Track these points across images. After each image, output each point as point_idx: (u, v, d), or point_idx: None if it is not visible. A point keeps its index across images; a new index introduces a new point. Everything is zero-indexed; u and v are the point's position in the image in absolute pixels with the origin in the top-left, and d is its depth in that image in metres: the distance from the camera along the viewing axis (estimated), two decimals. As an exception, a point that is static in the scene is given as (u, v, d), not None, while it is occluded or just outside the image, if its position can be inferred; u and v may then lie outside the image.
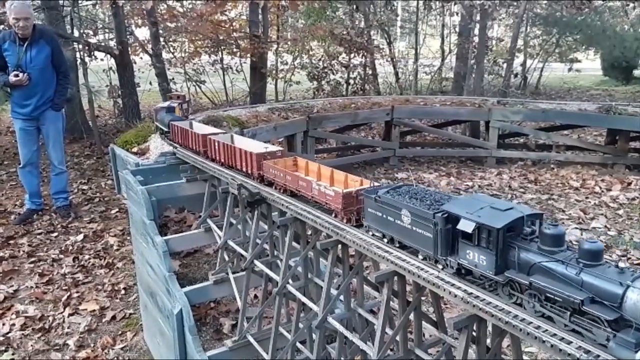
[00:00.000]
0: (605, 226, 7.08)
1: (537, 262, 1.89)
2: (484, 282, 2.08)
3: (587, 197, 8.30)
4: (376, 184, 2.76)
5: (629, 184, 8.79)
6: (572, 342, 1.74)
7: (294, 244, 3.30)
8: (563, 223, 7.22)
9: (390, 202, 2.38)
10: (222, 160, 3.94)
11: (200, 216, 4.37)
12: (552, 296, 1.80)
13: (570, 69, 20.36)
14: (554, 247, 1.89)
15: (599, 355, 1.65)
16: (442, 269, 2.20)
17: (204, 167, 4.22)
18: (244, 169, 3.65)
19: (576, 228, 6.98)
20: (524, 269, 1.93)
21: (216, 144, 4.01)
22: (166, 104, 5.73)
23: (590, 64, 23.02)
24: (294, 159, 3.57)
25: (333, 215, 2.82)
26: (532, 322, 1.86)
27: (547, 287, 1.81)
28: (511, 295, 1.97)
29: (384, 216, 2.43)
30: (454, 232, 2.12)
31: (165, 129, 5.14)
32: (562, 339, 1.76)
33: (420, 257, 2.31)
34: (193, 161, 4.45)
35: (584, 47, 20.79)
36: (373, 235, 2.55)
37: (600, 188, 8.67)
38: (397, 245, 2.41)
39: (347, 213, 2.71)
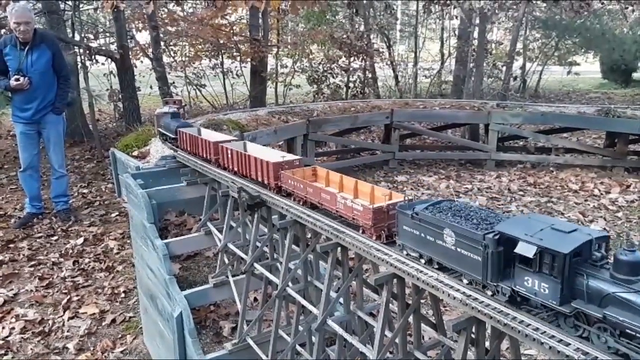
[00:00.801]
0: (605, 229, 7.09)
1: (611, 293, 1.68)
2: (542, 311, 1.89)
3: (586, 200, 8.32)
4: (408, 197, 2.56)
5: (628, 186, 8.80)
6: (570, 344, 1.75)
7: (293, 246, 3.31)
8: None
9: (431, 220, 2.19)
10: (236, 169, 3.75)
11: (200, 219, 4.38)
12: (633, 332, 1.58)
13: (569, 72, 20.40)
14: (631, 276, 1.67)
15: (597, 357, 1.66)
16: (492, 295, 2.00)
17: (204, 170, 4.23)
18: (260, 179, 3.46)
19: (576, 231, 6.98)
20: (595, 299, 1.73)
21: (229, 152, 3.81)
22: (166, 108, 5.62)
23: (589, 67, 23.06)
24: (314, 168, 3.36)
25: (360, 231, 2.62)
26: (530, 324, 1.87)
27: (626, 322, 1.60)
28: (576, 328, 1.77)
29: (423, 235, 2.23)
30: (508, 256, 1.93)
31: (172, 136, 4.93)
32: (560, 340, 1.77)
33: (465, 281, 2.11)
34: (193, 165, 4.46)
35: (583, 50, 20.83)
36: (408, 254, 2.36)
37: (599, 191, 8.69)
38: (436, 266, 2.23)
39: (377, 230, 2.51)
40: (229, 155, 3.83)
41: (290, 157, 3.46)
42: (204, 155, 4.21)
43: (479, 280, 2.03)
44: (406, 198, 2.54)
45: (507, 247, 1.93)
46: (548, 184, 9.21)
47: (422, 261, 2.28)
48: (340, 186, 3.10)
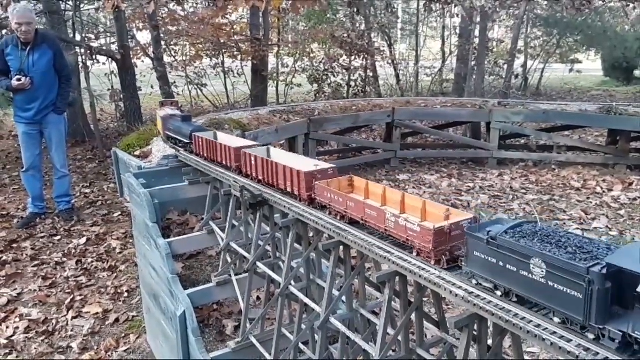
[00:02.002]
0: (607, 226, 7.09)
1: None
2: None
3: (588, 198, 8.31)
4: (473, 214, 2.31)
5: (631, 184, 8.80)
6: (572, 339, 1.75)
7: (296, 245, 3.32)
8: (564, 223, 7.23)
9: (514, 247, 1.90)
10: (260, 177, 3.50)
11: (202, 218, 4.39)
12: None
13: (571, 70, 20.37)
14: None
15: (598, 353, 1.67)
16: (594, 339, 1.72)
17: (207, 169, 4.24)
18: (289, 189, 3.19)
19: (577, 229, 6.99)
20: None
21: (253, 158, 3.56)
22: (169, 110, 5.46)
23: (591, 65, 23.03)
24: (350, 178, 3.07)
25: (415, 253, 2.34)
26: (532, 321, 1.88)
27: None
28: None
29: (502, 264, 1.95)
30: (620, 293, 1.67)
31: (185, 140, 4.65)
32: (561, 337, 1.78)
33: (557, 319, 1.83)
34: (195, 164, 4.47)
35: (584, 48, 20.81)
36: (478, 284, 2.07)
37: (602, 188, 8.68)
38: (515, 299, 1.95)
39: (438, 254, 2.23)
40: (252, 162, 3.57)
41: (323, 165, 3.15)
42: (224, 162, 3.96)
43: (578, 320, 1.74)
44: (474, 217, 2.29)
45: (617, 283, 1.66)
46: (550, 182, 9.21)
47: (498, 293, 2.00)
48: (383, 199, 2.81)
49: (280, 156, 3.67)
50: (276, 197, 3.32)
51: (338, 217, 2.82)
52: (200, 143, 4.35)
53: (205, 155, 4.27)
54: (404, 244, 2.42)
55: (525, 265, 1.87)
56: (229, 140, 4.30)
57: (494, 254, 1.98)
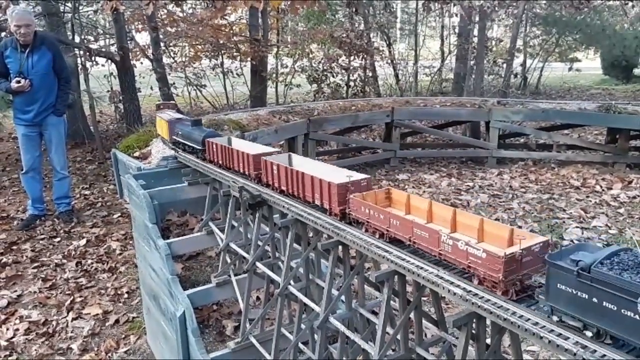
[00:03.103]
0: (606, 225, 7.09)
1: None
2: None
3: (587, 196, 8.32)
4: (546, 237, 2.04)
5: (630, 182, 8.80)
6: (569, 337, 1.76)
7: (295, 245, 3.33)
8: (564, 222, 7.23)
9: (616, 282, 1.63)
10: (284, 188, 3.27)
11: (202, 219, 4.40)
12: None
13: (570, 69, 20.39)
14: None
15: (595, 350, 1.67)
16: None
17: (205, 170, 4.24)
18: (318, 202, 2.97)
19: (577, 227, 6.99)
20: None
21: (275, 167, 3.32)
22: (173, 113, 5.27)
23: (590, 63, 23.04)
24: (387, 190, 2.81)
25: (475, 281, 2.09)
26: (530, 319, 1.88)
27: None
28: None
29: (596, 300, 1.69)
30: None
31: (197, 147, 4.40)
32: (559, 335, 1.78)
33: None
34: (194, 165, 4.48)
35: (583, 47, 20.83)
36: (561, 321, 1.81)
37: (601, 187, 8.69)
38: (609, 341, 1.70)
39: (508, 284, 1.98)
40: (275, 172, 3.32)
41: (356, 176, 2.88)
42: (241, 170, 3.75)
43: None
44: (550, 242, 2.04)
45: None
46: (550, 180, 9.21)
47: (588, 334, 1.74)
48: (429, 215, 2.53)
49: (303, 164, 3.41)
50: (275, 197, 3.33)
51: (376, 235, 2.56)
52: (215, 149, 4.12)
53: (220, 162, 4.06)
54: (461, 270, 2.16)
55: (630, 305, 1.60)
56: (245, 146, 4.08)
57: (586, 288, 1.71)
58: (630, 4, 16.99)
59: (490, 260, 1.99)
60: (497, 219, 7.36)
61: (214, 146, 4.13)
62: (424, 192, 8.74)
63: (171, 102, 7.57)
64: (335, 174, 3.04)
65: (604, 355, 1.65)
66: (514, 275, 1.97)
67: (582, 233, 6.81)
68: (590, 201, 8.09)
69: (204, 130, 4.53)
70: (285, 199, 3.25)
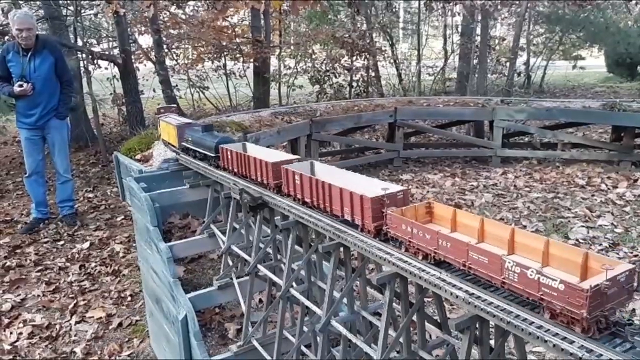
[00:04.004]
0: (612, 224, 7.03)
1: None
2: None
3: (593, 195, 8.25)
4: (632, 265, 1.82)
5: (635, 180, 8.73)
6: (574, 341, 1.73)
7: (296, 247, 3.30)
8: (569, 221, 7.18)
9: None
10: (307, 199, 3.04)
11: (204, 221, 4.38)
12: None
13: (574, 67, 20.29)
14: None
15: (601, 354, 1.64)
16: None
17: (206, 172, 4.23)
18: (348, 217, 2.72)
19: (582, 226, 6.94)
20: None
21: (297, 177, 3.10)
22: (183, 119, 5.06)
23: (594, 61, 22.91)
24: (428, 204, 2.56)
25: (547, 315, 1.85)
26: (534, 322, 1.85)
27: None
28: None
29: None
30: None
31: (210, 154, 4.19)
32: (564, 338, 1.75)
33: None
34: (195, 167, 4.46)
35: (587, 44, 20.70)
36: None
37: (607, 185, 8.62)
38: None
39: (591, 321, 1.74)
40: (297, 182, 3.10)
41: (393, 188, 2.64)
42: (259, 179, 3.54)
43: None
44: (632, 269, 1.79)
45: None
46: (554, 179, 9.15)
47: None
48: (480, 234, 2.27)
49: (328, 174, 3.17)
50: (276, 199, 3.30)
51: (419, 256, 2.33)
52: (229, 157, 3.89)
53: (235, 170, 3.85)
54: (527, 300, 1.92)
55: None
56: (262, 153, 3.89)
57: None
58: (634, 1, 16.91)
59: (571, 293, 1.73)
60: (501, 219, 7.32)
61: (229, 153, 3.90)
62: (428, 192, 8.70)
63: (172, 105, 7.50)
64: (367, 186, 2.80)
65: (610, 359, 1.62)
66: (598, 310, 1.71)
67: (588, 232, 6.76)
68: (596, 200, 8.02)
69: (216, 135, 4.33)
70: (286, 201, 3.22)
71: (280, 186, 3.32)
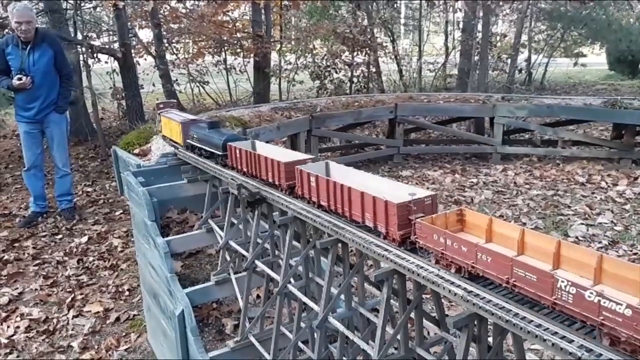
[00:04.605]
0: (612, 221, 7.01)
1: None
2: None
3: (593, 193, 8.23)
4: None
5: (636, 178, 8.71)
6: (573, 340, 1.71)
7: (294, 243, 3.28)
8: (569, 219, 7.16)
9: None
10: (324, 203, 2.88)
11: (202, 216, 4.36)
12: None
13: (575, 64, 20.21)
14: None
15: (600, 354, 1.62)
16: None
17: (205, 167, 4.20)
18: (370, 223, 2.55)
19: (582, 224, 6.92)
20: None
21: (312, 178, 2.94)
22: (188, 116, 4.92)
23: (595, 59, 22.83)
24: (459, 211, 2.37)
25: (605, 341, 1.67)
26: (533, 321, 1.83)
27: None
28: None
29: None
30: None
31: (217, 152, 4.05)
32: (563, 337, 1.73)
33: None
34: (194, 162, 4.43)
35: (589, 42, 20.60)
36: None
37: (607, 183, 8.60)
38: None
39: None
40: (312, 184, 2.94)
41: (420, 192, 2.49)
42: (270, 179, 3.38)
43: None
44: None
45: None
46: (554, 177, 9.13)
47: None
48: (520, 246, 2.08)
49: (345, 175, 3.01)
50: (274, 194, 3.28)
51: (452, 269, 2.15)
52: (238, 155, 3.74)
53: (245, 169, 3.70)
54: (582, 323, 1.75)
55: None
56: (273, 151, 3.72)
57: None
58: (636, -2, 16.84)
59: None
60: (501, 216, 7.30)
61: (237, 151, 3.74)
62: (428, 188, 8.68)
63: (172, 100, 7.40)
64: (389, 189, 2.62)
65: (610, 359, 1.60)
66: None
67: (588, 230, 6.74)
68: (596, 197, 8.01)
69: (223, 133, 4.17)
70: (284, 197, 3.20)
71: (293, 188, 3.18)
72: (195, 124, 4.53)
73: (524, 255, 2.06)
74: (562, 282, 1.75)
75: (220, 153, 3.99)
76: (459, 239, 2.11)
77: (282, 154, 3.54)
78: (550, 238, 2.01)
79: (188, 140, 4.55)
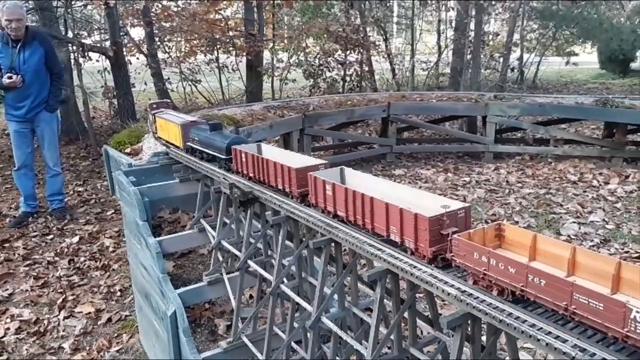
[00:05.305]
0: (604, 220, 7.05)
1: None
2: None
3: (585, 191, 8.27)
4: None
5: (627, 176, 8.76)
6: (567, 340, 1.70)
7: (287, 243, 3.26)
8: (561, 217, 7.19)
9: None
10: (342, 213, 2.67)
11: (194, 216, 4.33)
12: None
13: (567, 63, 20.32)
14: None
15: (594, 354, 1.62)
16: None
17: (197, 166, 4.17)
18: (396, 238, 2.35)
19: (574, 222, 6.94)
20: None
21: (329, 187, 2.73)
22: (187, 117, 4.72)
23: (587, 57, 22.96)
24: (498, 226, 2.18)
25: None
26: (526, 320, 1.83)
27: None
28: None
29: None
30: None
31: (220, 155, 3.85)
32: (557, 337, 1.72)
33: None
34: (186, 161, 4.40)
35: (580, 41, 20.73)
36: None
37: (598, 181, 8.64)
38: None
39: None
40: (329, 193, 2.73)
41: (452, 204, 2.28)
42: (279, 186, 3.17)
43: None
44: None
45: None
46: (547, 175, 9.16)
47: None
48: (570, 266, 1.90)
49: (361, 183, 2.81)
50: (267, 194, 3.26)
51: (494, 291, 1.96)
52: (244, 160, 3.52)
53: (251, 174, 3.48)
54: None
55: None
56: (281, 155, 3.52)
57: None
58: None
59: None
60: (493, 214, 7.31)
61: (243, 155, 3.52)
62: (420, 187, 8.68)
63: (166, 100, 7.21)
64: (415, 199, 2.43)
65: (604, 359, 1.59)
66: None
67: (579, 228, 6.77)
68: (587, 196, 8.04)
69: (226, 135, 3.97)
70: (277, 196, 3.18)
71: (305, 195, 2.99)
72: (196, 125, 4.33)
73: (575, 276, 1.88)
74: (637, 312, 1.53)
75: (223, 157, 3.79)
76: (505, 259, 1.91)
77: (292, 159, 3.35)
78: (607, 258, 1.82)
79: (188, 143, 4.35)
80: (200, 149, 4.13)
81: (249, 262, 3.54)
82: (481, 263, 1.97)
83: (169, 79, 13.60)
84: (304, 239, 3.11)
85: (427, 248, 2.17)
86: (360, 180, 2.88)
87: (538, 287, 1.79)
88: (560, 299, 1.74)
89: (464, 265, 2.05)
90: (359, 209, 2.52)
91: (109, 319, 5.07)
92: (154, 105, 5.44)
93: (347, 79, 16.07)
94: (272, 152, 3.67)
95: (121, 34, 12.16)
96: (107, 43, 12.40)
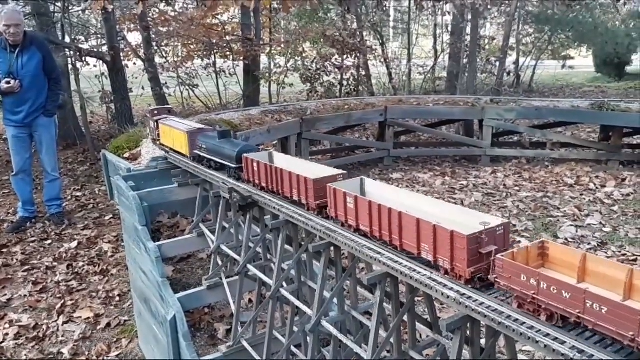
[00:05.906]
0: (600, 223, 7.08)
1: None
2: None
3: (581, 194, 8.31)
4: None
5: (624, 180, 8.80)
6: (565, 342, 1.72)
7: (287, 247, 3.28)
8: (558, 220, 7.22)
9: None
10: (365, 228, 2.54)
11: (193, 221, 4.34)
12: None
13: (563, 66, 20.43)
14: None
15: (592, 355, 1.64)
16: None
17: (196, 171, 4.19)
18: (429, 256, 2.21)
19: (571, 225, 6.98)
20: None
21: (350, 200, 2.58)
22: (194, 124, 4.57)
23: (583, 61, 23.09)
24: (541, 244, 2.06)
25: None
26: (525, 323, 1.85)
27: None
28: None
29: None
30: None
31: (230, 165, 3.71)
32: (555, 339, 1.74)
33: None
34: (185, 166, 4.42)
35: (576, 44, 20.85)
36: None
37: (595, 185, 8.68)
38: None
39: None
40: (351, 206, 2.58)
41: (491, 220, 2.13)
42: (295, 197, 3.04)
43: None
44: None
45: None
46: (543, 179, 9.21)
47: None
48: (627, 289, 1.75)
49: (382, 195, 2.68)
50: (266, 198, 3.28)
51: (542, 316, 1.82)
52: (256, 169, 3.38)
53: (263, 184, 3.34)
54: None
55: None
56: (295, 164, 3.37)
57: None
58: (621, 1, 17.05)
59: None
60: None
61: (255, 164, 3.38)
62: (418, 191, 8.71)
63: (167, 106, 7.08)
64: (445, 214, 2.29)
65: (601, 360, 1.61)
66: None
67: (577, 231, 6.80)
68: (584, 199, 8.08)
69: (236, 143, 3.85)
70: (275, 200, 3.19)
71: (323, 208, 2.86)
72: (203, 133, 4.20)
73: (630, 300, 1.73)
74: None
75: (234, 165, 3.66)
76: (558, 282, 1.77)
77: (306, 168, 3.21)
78: None
79: (195, 151, 4.19)
80: (209, 157, 3.98)
81: (249, 266, 3.56)
82: (529, 286, 1.84)
83: (166, 83, 13.62)
84: (303, 243, 3.13)
85: (464, 269, 2.04)
86: (380, 192, 2.76)
87: (599, 314, 1.65)
88: (626, 329, 1.58)
89: (509, 288, 1.92)
90: (386, 224, 2.38)
91: (108, 324, 5.06)
92: (155, 112, 5.30)
93: (344, 83, 16.11)
94: (285, 161, 3.56)
95: (118, 38, 12.18)
96: (105, 48, 12.42)
